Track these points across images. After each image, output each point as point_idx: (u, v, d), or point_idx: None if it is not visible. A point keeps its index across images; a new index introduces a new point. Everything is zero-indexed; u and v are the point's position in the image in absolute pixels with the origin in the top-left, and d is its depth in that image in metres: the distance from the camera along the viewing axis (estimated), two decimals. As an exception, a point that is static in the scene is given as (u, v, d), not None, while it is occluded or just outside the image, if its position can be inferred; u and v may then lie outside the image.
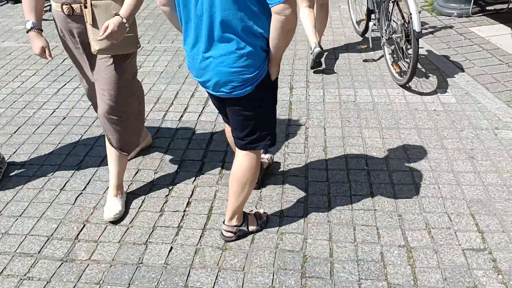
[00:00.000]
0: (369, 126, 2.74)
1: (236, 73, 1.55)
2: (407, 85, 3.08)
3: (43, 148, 2.66)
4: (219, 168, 2.43)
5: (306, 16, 3.32)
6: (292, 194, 2.22)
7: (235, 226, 1.91)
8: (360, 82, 3.25)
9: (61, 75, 3.58)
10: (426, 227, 1.98)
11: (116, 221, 2.07)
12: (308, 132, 2.71)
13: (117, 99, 1.99)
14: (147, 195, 2.26)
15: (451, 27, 4.10)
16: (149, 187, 2.32)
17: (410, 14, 2.84)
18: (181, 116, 2.94)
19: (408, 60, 3.02)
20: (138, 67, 3.65)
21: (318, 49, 3.27)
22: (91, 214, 2.15)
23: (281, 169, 2.40)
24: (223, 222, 1.94)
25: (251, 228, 1.95)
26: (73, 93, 3.29)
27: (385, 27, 3.24)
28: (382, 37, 3.31)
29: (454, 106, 2.88)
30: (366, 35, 3.75)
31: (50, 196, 2.27)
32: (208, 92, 1.74)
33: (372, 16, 3.61)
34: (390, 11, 3.17)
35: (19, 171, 2.46)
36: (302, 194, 2.22)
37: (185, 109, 3.03)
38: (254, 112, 1.67)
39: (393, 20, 3.19)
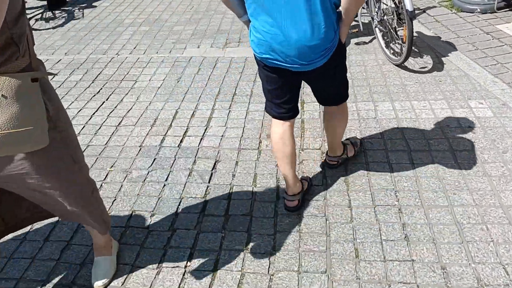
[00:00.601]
0: (396, 148, 2.39)
1: (315, 46, 1.63)
2: (402, 64, 3.13)
3: (26, 186, 2.35)
4: (224, 208, 2.10)
5: None
6: (311, 240, 1.89)
7: (337, 156, 2.24)
8: (379, 94, 2.89)
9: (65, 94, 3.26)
10: (478, 283, 1.63)
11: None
12: (325, 158, 2.36)
13: (60, 194, 1.47)
14: (143, 245, 1.94)
15: (475, 25, 3.71)
16: (145, 235, 2.00)
17: None
18: (181, 141, 2.61)
19: (399, 41, 3.12)
20: (133, 81, 3.32)
21: None
22: (78, 272, 1.83)
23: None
24: (326, 153, 2.26)
25: (350, 154, 2.31)
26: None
27: (376, 9, 3.30)
28: (373, 19, 3.40)
29: (491, 121, 2.52)
30: (356, 19, 3.78)
31: (32, 249, 1.96)
32: (278, 69, 1.75)
33: None
34: None
35: (-3, 216, 2.16)
36: (323, 240, 1.89)
37: (185, 132, 2.70)
38: (333, 77, 1.85)
39: (383, 2, 3.24)
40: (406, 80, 3.01)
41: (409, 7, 2.79)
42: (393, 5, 3.11)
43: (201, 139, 2.62)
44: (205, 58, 3.60)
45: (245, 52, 3.66)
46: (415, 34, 3.60)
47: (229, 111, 2.87)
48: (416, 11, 4.03)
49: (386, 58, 3.29)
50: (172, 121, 2.81)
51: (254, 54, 1.78)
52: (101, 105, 3.04)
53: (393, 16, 3.10)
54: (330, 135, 2.15)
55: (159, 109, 2.96)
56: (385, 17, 3.23)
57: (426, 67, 3.14)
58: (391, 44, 3.33)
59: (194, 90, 3.16)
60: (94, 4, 5.12)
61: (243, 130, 2.66)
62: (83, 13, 4.83)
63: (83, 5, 5.10)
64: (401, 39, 3.04)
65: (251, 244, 1.90)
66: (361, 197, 2.09)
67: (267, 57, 1.70)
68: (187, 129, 2.73)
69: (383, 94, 2.89)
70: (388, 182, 2.16)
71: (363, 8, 3.63)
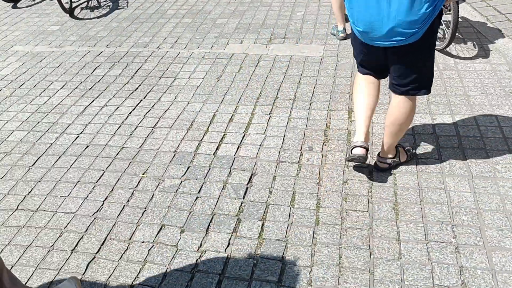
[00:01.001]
0: (455, 172, 2.11)
1: (413, 21, 1.65)
2: (445, 49, 3.03)
3: (60, 189, 2.32)
4: (258, 230, 1.95)
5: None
6: (352, 277, 1.70)
7: (389, 158, 2.12)
8: (438, 105, 2.58)
9: (90, 88, 3.23)
10: None
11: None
12: (372, 179, 2.14)
13: None
14: (169, 267, 1.83)
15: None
16: (172, 254, 1.89)
17: None
18: (217, 149, 2.47)
19: (443, 26, 3.02)
20: (173, 79, 3.22)
21: None
22: (102, 291, 1.77)
23: (337, 235, 1.87)
24: (378, 155, 2.14)
25: (402, 159, 2.17)
26: (99, 113, 2.93)
27: None
28: None
29: None
30: None
31: (59, 260, 1.91)
32: (368, 45, 1.85)
33: None
34: None
35: (29, 220, 2.14)
36: (365, 278, 1.69)
37: (222, 138, 2.55)
38: (420, 59, 1.81)
39: None
40: (470, 89, 2.67)
41: None
42: None
43: (238, 147, 2.47)
44: (248, 56, 3.42)
45: (291, 49, 3.44)
46: (469, 27, 3.21)
47: (270, 116, 2.69)
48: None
49: None
50: (209, 125, 2.68)
51: (351, 26, 1.86)
52: (138, 104, 2.96)
53: None
54: (389, 132, 2.03)
55: (197, 111, 2.83)
56: None
57: (473, 54, 2.99)
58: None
59: (234, 91, 3.00)
60: (139, -8, 5.05)
61: (283, 140, 2.48)
62: (127, 2, 4.78)
63: (129, -7, 5.05)
64: (445, 24, 2.99)
65: (284, 276, 1.74)
66: (412, 229, 1.86)
67: (365, 31, 1.77)
68: (224, 135, 2.58)
69: (442, 105, 2.58)
70: (444, 213, 1.91)
71: None
